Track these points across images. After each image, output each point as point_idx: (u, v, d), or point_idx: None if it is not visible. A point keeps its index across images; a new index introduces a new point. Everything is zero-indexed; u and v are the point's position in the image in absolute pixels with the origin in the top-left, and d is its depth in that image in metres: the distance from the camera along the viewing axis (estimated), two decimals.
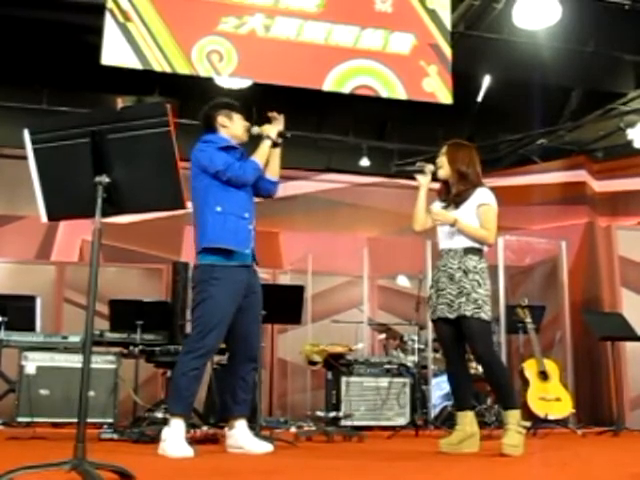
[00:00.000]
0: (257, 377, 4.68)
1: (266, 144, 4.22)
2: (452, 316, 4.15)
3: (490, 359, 4.18)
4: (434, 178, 4.47)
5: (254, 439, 4.09)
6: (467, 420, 4.23)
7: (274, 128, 4.27)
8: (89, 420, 2.69)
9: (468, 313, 4.08)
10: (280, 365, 8.87)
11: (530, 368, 6.60)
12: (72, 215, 3.03)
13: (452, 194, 4.35)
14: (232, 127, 4.27)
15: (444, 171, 4.38)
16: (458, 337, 4.24)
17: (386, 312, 9.24)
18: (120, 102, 9.15)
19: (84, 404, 2.51)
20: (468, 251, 4.21)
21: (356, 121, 10.49)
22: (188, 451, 3.76)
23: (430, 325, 7.02)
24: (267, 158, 4.25)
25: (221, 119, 4.27)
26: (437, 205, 4.44)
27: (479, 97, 9.49)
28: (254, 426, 4.91)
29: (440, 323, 4.29)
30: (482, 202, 4.27)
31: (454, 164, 4.34)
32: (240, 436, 4.06)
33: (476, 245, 4.24)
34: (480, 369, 6.79)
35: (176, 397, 3.94)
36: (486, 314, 4.12)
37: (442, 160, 4.40)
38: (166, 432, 3.85)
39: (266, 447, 4.03)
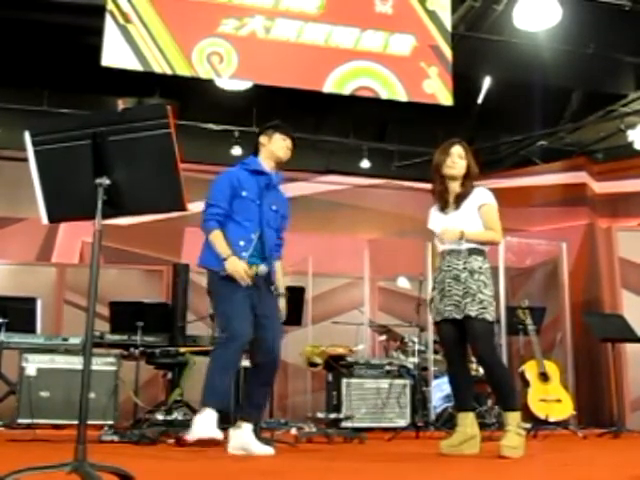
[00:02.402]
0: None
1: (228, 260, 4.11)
2: (459, 316, 4.13)
3: (491, 360, 4.17)
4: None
5: (257, 442, 4.09)
6: (468, 422, 4.23)
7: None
8: (89, 422, 2.68)
9: (473, 314, 4.08)
10: (281, 367, 8.85)
11: (530, 369, 6.60)
12: (73, 217, 3.03)
13: (456, 192, 4.34)
14: (269, 145, 4.38)
15: (461, 171, 4.34)
16: (461, 338, 4.24)
17: (386, 314, 9.24)
18: (121, 104, 9.15)
19: (84, 406, 2.51)
20: (472, 252, 4.21)
21: (356, 123, 10.49)
22: (216, 433, 3.83)
23: (431, 327, 7.04)
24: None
25: (262, 138, 4.41)
26: (434, 213, 4.45)
27: (480, 99, 9.49)
28: (256, 428, 4.92)
29: (444, 325, 4.26)
30: (483, 202, 4.28)
31: (474, 167, 4.36)
32: (244, 437, 4.06)
33: (480, 246, 4.24)
34: (481, 370, 6.81)
35: (208, 388, 3.99)
36: (490, 315, 4.12)
37: (460, 163, 4.33)
38: (197, 418, 3.91)
39: (268, 450, 4.04)
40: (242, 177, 4.25)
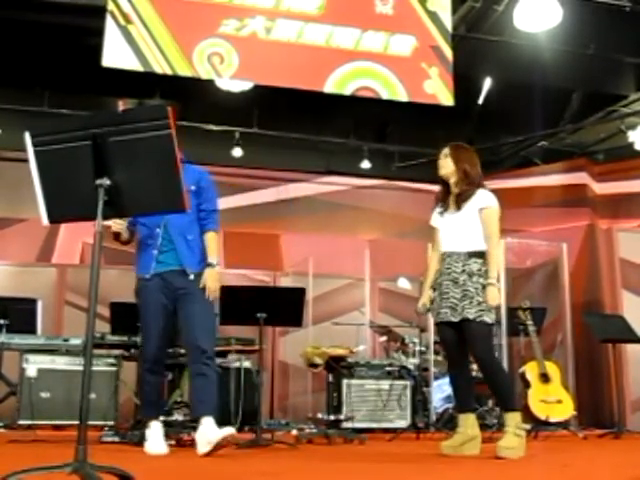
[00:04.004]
0: (258, 379, 4.69)
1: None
2: (456, 319, 4.15)
3: (490, 362, 4.18)
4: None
5: (215, 429, 4.00)
6: (468, 423, 4.23)
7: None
8: (90, 423, 2.68)
9: (471, 316, 4.08)
10: (281, 367, 8.87)
11: (531, 370, 6.60)
12: (73, 218, 3.03)
13: (454, 194, 4.36)
14: None
15: (447, 170, 4.38)
16: (461, 340, 4.24)
17: (387, 314, 9.23)
18: (121, 104, 9.14)
19: (85, 407, 2.51)
20: (472, 255, 4.22)
21: (357, 123, 10.49)
22: (162, 448, 4.15)
23: (432, 328, 7.04)
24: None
25: None
26: (436, 214, 4.46)
27: (480, 99, 9.49)
28: (255, 429, 4.92)
29: (443, 326, 4.29)
30: (485, 205, 4.28)
31: (459, 163, 4.35)
32: (203, 432, 4.00)
33: (479, 248, 4.24)
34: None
35: (143, 403, 4.46)
36: (489, 317, 4.13)
37: (445, 161, 4.39)
38: (147, 433, 4.26)
39: (227, 430, 3.96)
40: None
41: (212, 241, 4.36)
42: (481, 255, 4.23)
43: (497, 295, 4.16)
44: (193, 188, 4.33)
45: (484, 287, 4.13)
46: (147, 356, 4.29)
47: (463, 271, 4.18)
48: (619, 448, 5.52)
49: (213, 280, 4.26)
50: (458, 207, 4.31)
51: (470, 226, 4.26)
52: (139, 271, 4.36)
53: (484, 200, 4.30)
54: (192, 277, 4.24)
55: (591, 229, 9.13)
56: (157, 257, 4.29)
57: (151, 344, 4.26)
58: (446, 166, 4.39)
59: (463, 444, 4.17)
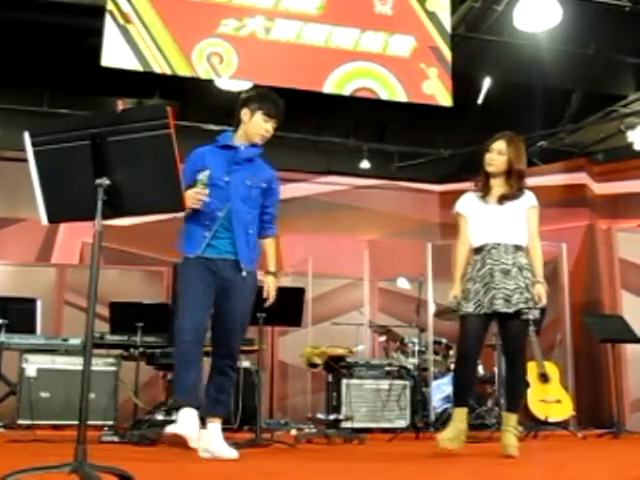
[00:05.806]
0: (257, 379, 4.65)
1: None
2: (510, 310, 4.11)
3: (521, 359, 4.21)
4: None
5: (222, 443, 3.87)
6: (463, 417, 4.22)
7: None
8: (89, 422, 2.68)
9: (524, 310, 4.10)
10: (280, 367, 8.86)
11: (530, 370, 6.60)
12: (72, 217, 3.04)
13: (501, 194, 4.29)
14: (248, 124, 4.09)
15: (498, 169, 4.29)
16: (483, 335, 4.24)
17: (386, 314, 9.23)
18: (121, 104, 9.15)
19: (85, 406, 2.51)
20: (518, 248, 4.25)
21: (356, 124, 10.49)
22: (186, 430, 3.61)
23: (431, 328, 7.04)
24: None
25: (243, 112, 4.11)
26: (473, 199, 4.38)
27: (479, 99, 9.48)
28: (254, 428, 4.92)
29: (473, 318, 4.16)
30: (534, 204, 4.34)
31: (515, 165, 4.27)
32: (208, 439, 3.86)
33: (523, 243, 4.28)
34: (481, 371, 6.83)
35: (175, 387, 3.90)
36: (532, 314, 4.16)
37: (498, 158, 4.28)
38: (178, 415, 3.76)
39: (231, 453, 3.80)
40: (209, 154, 4.06)
41: (274, 248, 4.21)
42: (524, 250, 4.25)
43: (543, 291, 4.19)
44: (264, 185, 4.17)
45: (532, 282, 4.15)
46: (185, 329, 3.79)
47: (514, 264, 4.18)
48: (618, 448, 5.52)
49: (275, 289, 4.17)
50: (500, 202, 4.27)
51: (516, 221, 4.27)
52: (187, 249, 4.00)
53: (532, 199, 4.33)
54: (244, 273, 3.98)
55: (590, 229, 9.14)
56: (210, 240, 3.97)
57: (193, 316, 3.82)
58: (498, 165, 4.28)
59: (457, 437, 4.17)
